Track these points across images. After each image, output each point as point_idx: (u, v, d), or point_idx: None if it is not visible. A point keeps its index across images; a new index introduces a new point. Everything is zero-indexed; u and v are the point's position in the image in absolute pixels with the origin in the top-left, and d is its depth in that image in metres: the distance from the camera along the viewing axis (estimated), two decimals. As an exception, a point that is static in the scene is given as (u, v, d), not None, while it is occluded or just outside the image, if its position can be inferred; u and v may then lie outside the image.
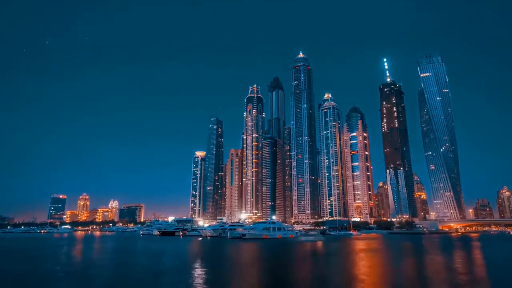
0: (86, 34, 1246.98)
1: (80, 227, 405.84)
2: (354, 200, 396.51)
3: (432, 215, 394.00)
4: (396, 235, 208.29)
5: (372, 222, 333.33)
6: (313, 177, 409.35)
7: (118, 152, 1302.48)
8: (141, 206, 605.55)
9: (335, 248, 78.30)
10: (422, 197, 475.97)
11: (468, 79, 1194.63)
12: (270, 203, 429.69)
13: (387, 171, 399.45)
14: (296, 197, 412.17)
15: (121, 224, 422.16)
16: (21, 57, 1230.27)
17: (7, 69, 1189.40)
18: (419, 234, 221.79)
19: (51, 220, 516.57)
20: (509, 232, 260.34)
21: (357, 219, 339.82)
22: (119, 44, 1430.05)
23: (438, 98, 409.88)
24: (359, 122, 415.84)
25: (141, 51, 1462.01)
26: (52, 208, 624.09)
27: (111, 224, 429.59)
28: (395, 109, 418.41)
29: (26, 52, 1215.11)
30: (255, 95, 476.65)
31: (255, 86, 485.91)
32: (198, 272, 34.06)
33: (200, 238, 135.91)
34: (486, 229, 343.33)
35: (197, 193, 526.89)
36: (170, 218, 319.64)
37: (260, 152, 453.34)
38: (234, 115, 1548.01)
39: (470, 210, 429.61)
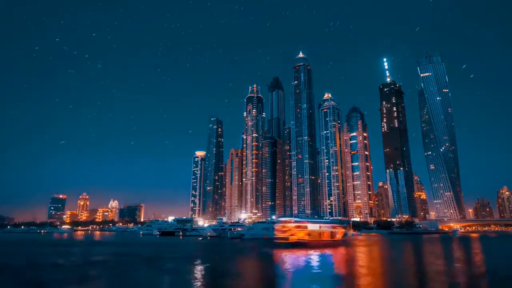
0: (93, 31, 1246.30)
1: (80, 227, 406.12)
2: (354, 200, 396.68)
3: (432, 215, 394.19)
4: (396, 235, 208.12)
5: (372, 222, 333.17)
6: (313, 177, 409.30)
7: (118, 152, 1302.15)
8: (141, 206, 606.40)
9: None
10: (422, 197, 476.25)
11: (468, 79, 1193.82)
12: (270, 203, 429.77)
13: (387, 171, 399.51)
14: (296, 197, 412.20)
15: (121, 224, 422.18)
16: (29, 55, 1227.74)
17: (11, 68, 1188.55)
18: (419, 234, 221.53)
19: (51, 220, 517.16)
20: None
21: (357, 219, 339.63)
22: (121, 44, 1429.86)
23: (438, 98, 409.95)
24: (359, 122, 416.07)
25: (143, 52, 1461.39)
26: (52, 208, 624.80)
27: (111, 224, 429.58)
28: (395, 109, 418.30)
29: (37, 50, 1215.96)
30: (255, 95, 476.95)
31: (255, 86, 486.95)
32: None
33: (200, 238, 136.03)
34: (486, 229, 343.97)
35: (197, 193, 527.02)
36: (170, 218, 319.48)
37: (260, 152, 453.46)
38: (234, 115, 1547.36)
39: (470, 210, 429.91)
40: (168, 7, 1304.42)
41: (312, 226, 77.57)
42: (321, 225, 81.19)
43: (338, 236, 78.19)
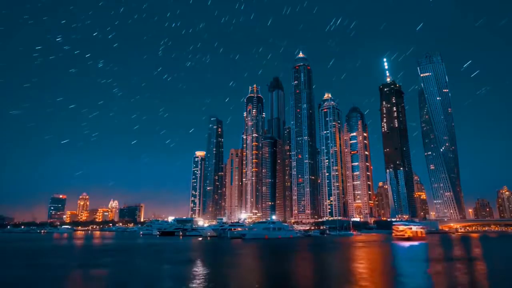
0: (94, 30, 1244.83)
1: (80, 227, 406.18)
2: (354, 200, 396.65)
3: (432, 215, 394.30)
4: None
5: (372, 222, 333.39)
6: (313, 177, 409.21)
7: (118, 151, 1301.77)
8: (141, 206, 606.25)
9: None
10: (422, 197, 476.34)
11: (468, 79, 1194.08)
12: (270, 203, 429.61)
13: (387, 171, 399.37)
14: (296, 197, 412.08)
15: (121, 224, 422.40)
16: (30, 55, 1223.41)
17: (12, 67, 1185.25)
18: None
19: (51, 220, 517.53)
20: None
21: (357, 219, 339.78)
22: (122, 43, 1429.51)
23: (438, 98, 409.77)
24: (359, 122, 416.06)
25: (143, 51, 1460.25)
26: (52, 208, 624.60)
27: (111, 224, 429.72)
28: (395, 109, 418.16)
29: (38, 50, 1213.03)
30: (255, 95, 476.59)
31: (255, 86, 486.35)
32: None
33: (201, 238, 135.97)
34: (486, 229, 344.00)
35: (197, 193, 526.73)
36: (170, 218, 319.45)
37: (260, 152, 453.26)
38: (234, 115, 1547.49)
39: (470, 210, 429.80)
40: (168, 6, 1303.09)
41: (414, 228, 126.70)
42: (417, 226, 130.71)
43: (423, 234, 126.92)
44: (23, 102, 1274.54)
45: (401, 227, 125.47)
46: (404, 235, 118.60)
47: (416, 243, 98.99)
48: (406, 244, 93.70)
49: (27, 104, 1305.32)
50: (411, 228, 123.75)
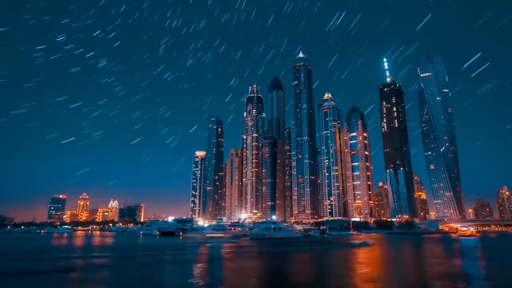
0: (96, 29, 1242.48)
1: (80, 227, 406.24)
2: (354, 200, 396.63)
3: (432, 215, 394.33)
4: (396, 235, 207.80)
5: (372, 222, 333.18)
6: (313, 177, 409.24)
7: (118, 151, 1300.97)
8: (141, 206, 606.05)
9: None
10: (422, 197, 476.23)
11: (469, 79, 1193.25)
12: (270, 203, 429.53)
13: (387, 171, 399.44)
14: (296, 197, 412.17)
15: (121, 224, 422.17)
16: (31, 54, 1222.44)
17: (12, 67, 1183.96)
18: (418, 234, 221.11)
19: (51, 220, 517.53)
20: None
21: (357, 219, 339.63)
22: (123, 42, 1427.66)
23: (438, 98, 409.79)
24: (359, 122, 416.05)
25: (144, 50, 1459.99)
26: (52, 208, 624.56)
27: (111, 224, 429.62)
28: (395, 109, 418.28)
29: (38, 50, 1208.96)
30: (255, 95, 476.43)
31: (255, 86, 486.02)
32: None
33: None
34: (486, 229, 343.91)
35: (197, 193, 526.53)
36: (170, 218, 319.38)
37: (260, 152, 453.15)
38: (234, 115, 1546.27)
39: (470, 210, 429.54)
40: (169, 5, 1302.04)
41: (471, 228, 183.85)
42: (472, 228, 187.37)
43: (475, 233, 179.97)
44: (24, 102, 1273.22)
45: (463, 228, 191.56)
46: (466, 233, 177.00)
47: (474, 238, 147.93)
48: (469, 239, 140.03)
49: (28, 104, 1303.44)
50: (469, 229, 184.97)
